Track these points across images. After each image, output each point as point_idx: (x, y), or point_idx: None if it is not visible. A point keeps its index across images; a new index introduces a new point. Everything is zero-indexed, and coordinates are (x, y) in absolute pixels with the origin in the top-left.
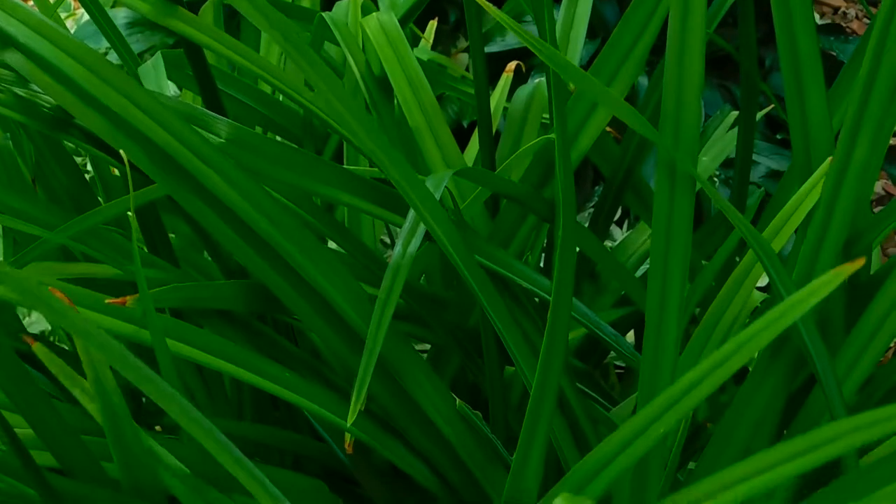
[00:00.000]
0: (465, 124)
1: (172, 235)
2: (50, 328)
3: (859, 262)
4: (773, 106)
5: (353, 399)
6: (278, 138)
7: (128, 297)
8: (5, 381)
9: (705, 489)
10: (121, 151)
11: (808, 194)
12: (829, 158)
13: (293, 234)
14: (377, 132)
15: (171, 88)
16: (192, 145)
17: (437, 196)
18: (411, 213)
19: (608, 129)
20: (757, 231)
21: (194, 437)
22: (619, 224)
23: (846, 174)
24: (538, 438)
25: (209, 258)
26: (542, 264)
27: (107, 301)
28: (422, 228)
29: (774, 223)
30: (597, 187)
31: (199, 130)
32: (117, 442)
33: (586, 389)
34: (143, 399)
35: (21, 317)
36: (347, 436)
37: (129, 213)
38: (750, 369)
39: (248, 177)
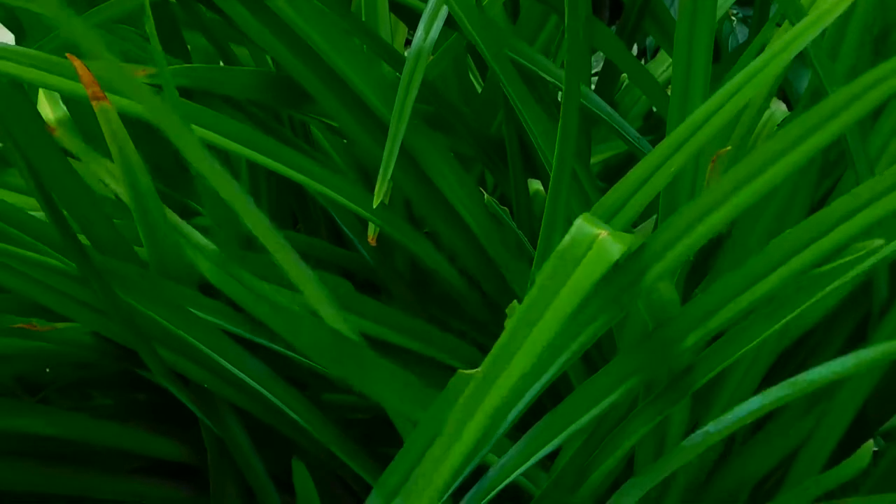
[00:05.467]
0: None
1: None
2: None
3: None
4: None
5: (378, 182)
6: None
7: (143, 70)
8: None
9: None
10: None
11: None
12: None
13: (316, 20)
14: None
15: None
16: None
17: None
18: None
19: None
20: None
21: (213, 186)
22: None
23: None
24: (559, 221)
25: None
26: None
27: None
28: (444, 12)
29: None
30: (614, 25)
31: None
32: (143, 219)
33: None
34: None
35: None
36: (371, 227)
37: None
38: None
39: None
